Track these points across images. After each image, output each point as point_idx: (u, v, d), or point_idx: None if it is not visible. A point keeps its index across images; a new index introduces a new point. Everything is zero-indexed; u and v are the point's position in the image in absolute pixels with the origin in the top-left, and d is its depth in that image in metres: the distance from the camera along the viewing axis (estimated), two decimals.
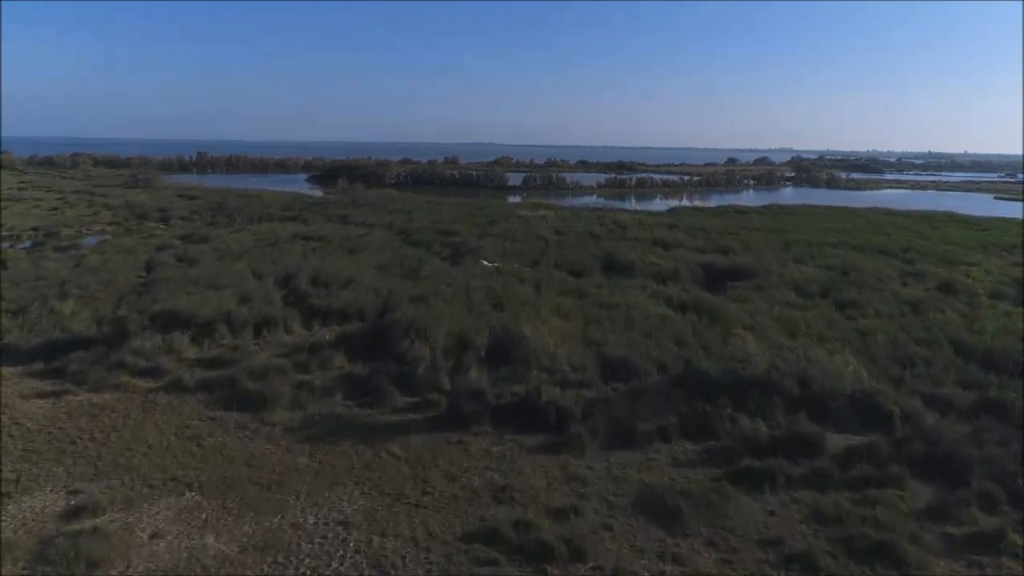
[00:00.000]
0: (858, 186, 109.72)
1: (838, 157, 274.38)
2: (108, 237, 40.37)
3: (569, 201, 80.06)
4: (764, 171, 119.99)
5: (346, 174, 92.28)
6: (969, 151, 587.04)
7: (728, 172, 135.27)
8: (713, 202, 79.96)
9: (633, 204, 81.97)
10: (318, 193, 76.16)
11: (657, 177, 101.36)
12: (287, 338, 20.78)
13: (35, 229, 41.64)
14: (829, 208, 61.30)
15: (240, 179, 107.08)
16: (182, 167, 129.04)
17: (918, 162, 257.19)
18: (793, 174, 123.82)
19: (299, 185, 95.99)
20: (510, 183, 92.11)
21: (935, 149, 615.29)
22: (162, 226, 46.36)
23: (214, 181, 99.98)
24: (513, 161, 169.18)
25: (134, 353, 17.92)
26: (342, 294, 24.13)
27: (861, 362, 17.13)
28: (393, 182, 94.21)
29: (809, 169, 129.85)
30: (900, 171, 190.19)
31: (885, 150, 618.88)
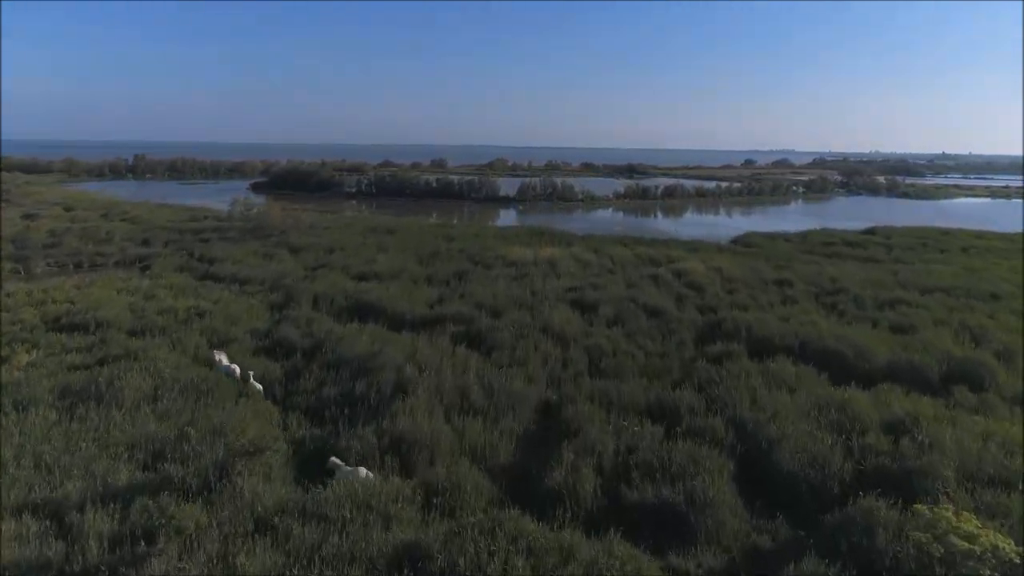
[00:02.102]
0: (929, 194, 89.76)
1: (863, 159, 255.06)
2: None
3: (579, 219, 60.14)
4: (815, 176, 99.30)
5: (294, 181, 72.50)
6: (974, 152, 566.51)
7: (754, 175, 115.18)
8: (768, 216, 60.14)
9: (660, 218, 62.14)
10: (251, 206, 55.75)
11: (687, 184, 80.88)
12: None
13: None
14: (971, 233, 41.46)
15: (167, 187, 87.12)
16: (115, 172, 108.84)
17: (950, 164, 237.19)
18: (840, 178, 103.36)
19: (242, 194, 75.65)
20: (502, 192, 72.08)
21: (942, 150, 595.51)
22: None
23: (132, 190, 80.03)
24: (509, 163, 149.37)
25: None
26: None
27: None
28: (353, 191, 74.10)
29: (860, 172, 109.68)
30: (936, 174, 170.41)
31: (888, 151, 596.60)
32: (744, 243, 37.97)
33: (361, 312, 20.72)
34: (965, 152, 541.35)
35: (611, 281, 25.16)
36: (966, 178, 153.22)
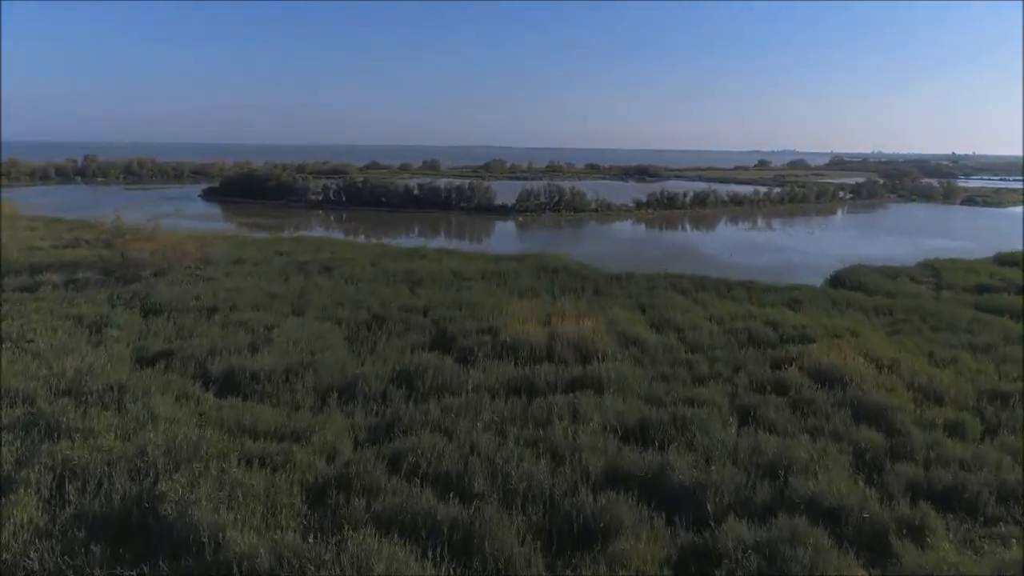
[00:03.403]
0: (995, 200, 77.46)
1: (883, 160, 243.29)
2: None
3: (596, 235, 47.96)
4: (864, 181, 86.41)
5: (248, 186, 60.20)
6: (977, 152, 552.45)
7: (776, 177, 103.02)
8: (829, 231, 47.83)
9: (697, 233, 49.87)
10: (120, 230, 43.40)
11: (723, 190, 68.13)
12: None
13: None
14: None
15: (110, 193, 75.04)
16: (62, 174, 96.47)
17: (974, 164, 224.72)
18: (883, 182, 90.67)
19: (188, 202, 63.25)
20: (499, 200, 59.68)
21: (951, 150, 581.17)
22: None
23: (65, 197, 67.91)
24: (508, 164, 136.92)
25: None
26: None
27: None
28: (319, 199, 61.56)
29: (907, 174, 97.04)
30: (968, 176, 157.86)
31: (890, 151, 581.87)
32: (854, 283, 25.59)
33: (149, 536, 8.49)
34: (970, 152, 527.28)
35: (702, 402, 12.76)
36: (1005, 180, 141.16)
